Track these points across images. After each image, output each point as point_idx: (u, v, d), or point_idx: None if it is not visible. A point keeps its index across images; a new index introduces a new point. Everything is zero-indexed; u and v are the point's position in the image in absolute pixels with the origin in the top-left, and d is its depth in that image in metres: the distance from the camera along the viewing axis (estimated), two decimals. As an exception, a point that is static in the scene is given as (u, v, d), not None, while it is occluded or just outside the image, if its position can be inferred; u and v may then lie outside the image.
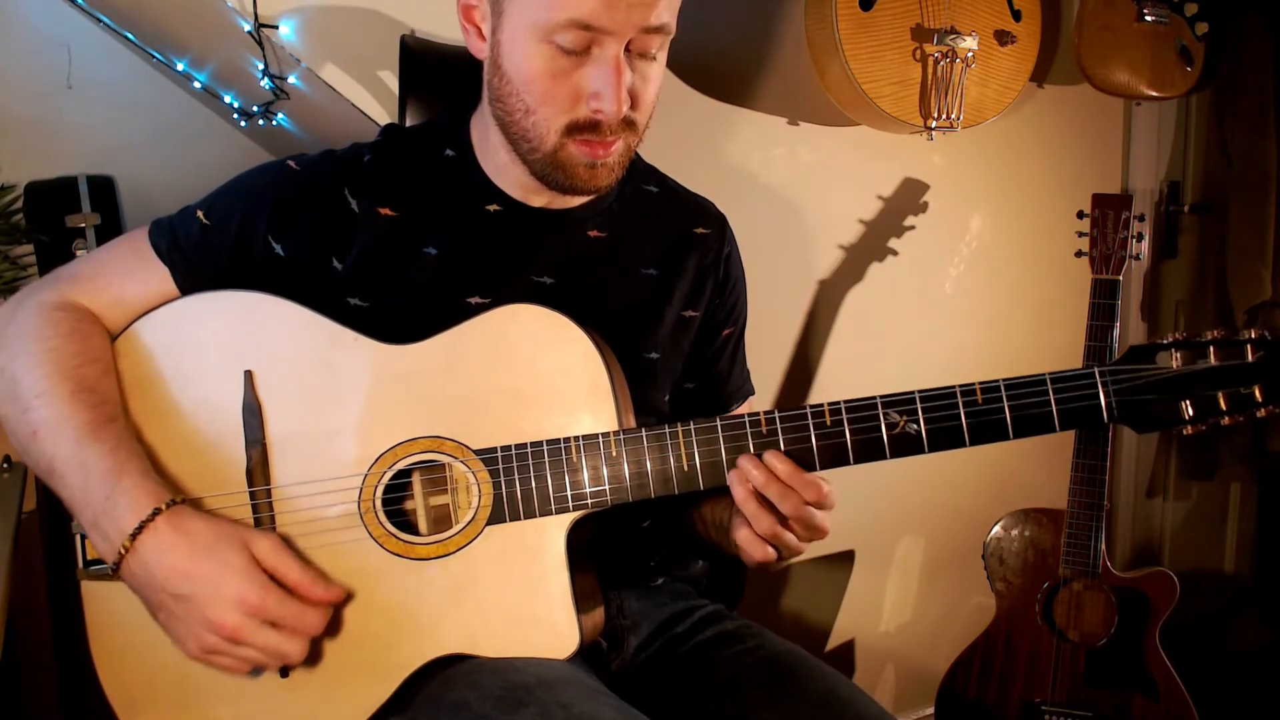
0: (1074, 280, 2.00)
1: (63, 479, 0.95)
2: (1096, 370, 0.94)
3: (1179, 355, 0.93)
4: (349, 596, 0.99)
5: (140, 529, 0.92)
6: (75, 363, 1.00)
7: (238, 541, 0.93)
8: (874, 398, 0.97)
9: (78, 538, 1.02)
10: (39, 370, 0.99)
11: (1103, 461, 1.83)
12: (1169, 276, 2.41)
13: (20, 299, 1.07)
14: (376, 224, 1.09)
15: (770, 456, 0.96)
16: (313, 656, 0.99)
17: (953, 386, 0.96)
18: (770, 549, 0.99)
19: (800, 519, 0.97)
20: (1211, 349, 0.93)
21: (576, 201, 1.15)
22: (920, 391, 0.96)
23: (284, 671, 0.99)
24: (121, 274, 1.08)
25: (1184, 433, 0.94)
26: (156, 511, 0.92)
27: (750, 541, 0.99)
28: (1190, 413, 0.93)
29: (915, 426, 0.96)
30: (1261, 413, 0.92)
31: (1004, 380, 0.96)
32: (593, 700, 0.92)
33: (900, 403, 0.96)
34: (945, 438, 0.96)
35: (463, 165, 1.14)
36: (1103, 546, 1.84)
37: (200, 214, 1.10)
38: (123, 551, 0.92)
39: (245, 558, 0.93)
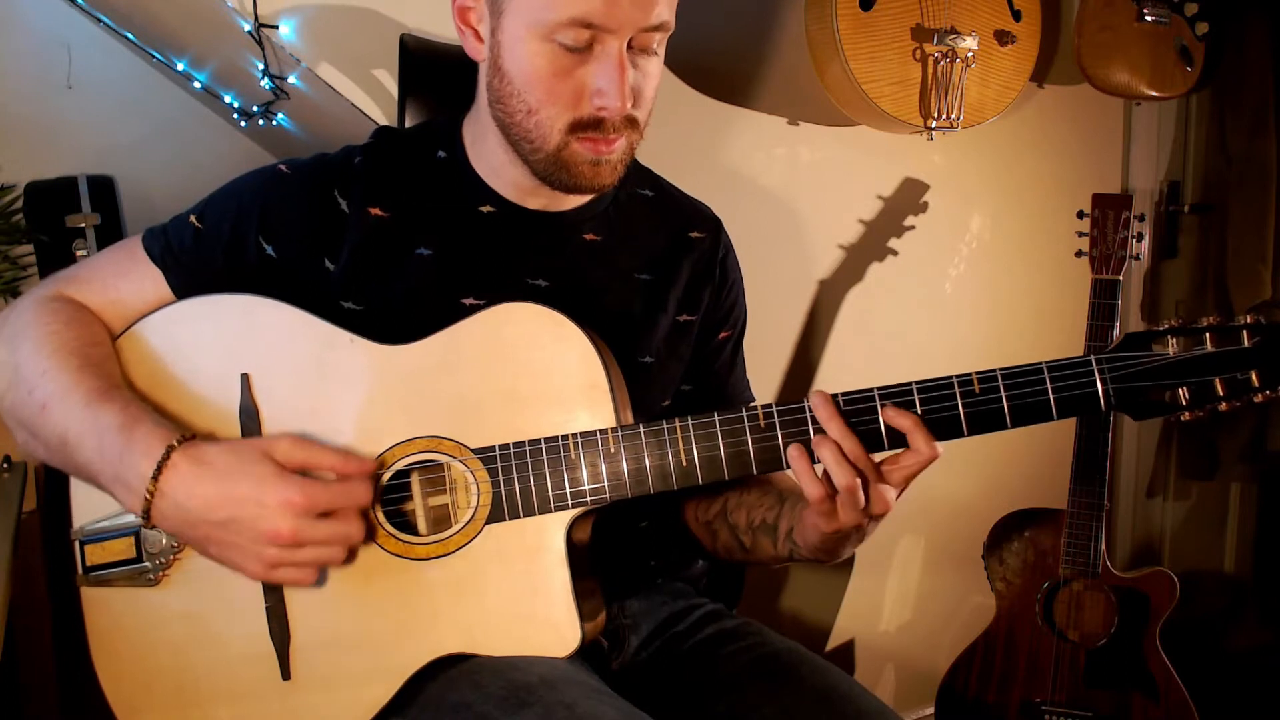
0: (1074, 280, 2.00)
1: (77, 446, 0.95)
2: (1093, 358, 0.94)
3: (1175, 342, 0.93)
4: (349, 598, 0.99)
5: (159, 470, 0.91)
6: (78, 344, 1.00)
7: (258, 453, 0.92)
8: (871, 389, 0.97)
9: (76, 544, 1.02)
10: (41, 351, 0.99)
11: (1103, 461, 1.83)
12: (1169, 276, 2.41)
13: (15, 303, 1.07)
14: (366, 224, 1.09)
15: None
16: (313, 658, 0.99)
17: (950, 377, 0.96)
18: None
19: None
20: (1208, 336, 0.92)
21: (573, 204, 1.14)
22: (918, 382, 0.96)
23: (285, 673, 0.99)
24: (117, 276, 1.08)
25: (1182, 419, 0.94)
26: (170, 449, 0.92)
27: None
28: (1187, 399, 0.93)
29: None
30: (1258, 398, 0.92)
31: (1001, 370, 0.96)
32: (595, 700, 0.92)
33: (897, 394, 0.96)
34: (943, 428, 0.95)
35: (455, 166, 1.13)
36: (1103, 546, 1.83)
37: (193, 218, 1.10)
38: (149, 496, 0.91)
39: (271, 465, 0.92)
